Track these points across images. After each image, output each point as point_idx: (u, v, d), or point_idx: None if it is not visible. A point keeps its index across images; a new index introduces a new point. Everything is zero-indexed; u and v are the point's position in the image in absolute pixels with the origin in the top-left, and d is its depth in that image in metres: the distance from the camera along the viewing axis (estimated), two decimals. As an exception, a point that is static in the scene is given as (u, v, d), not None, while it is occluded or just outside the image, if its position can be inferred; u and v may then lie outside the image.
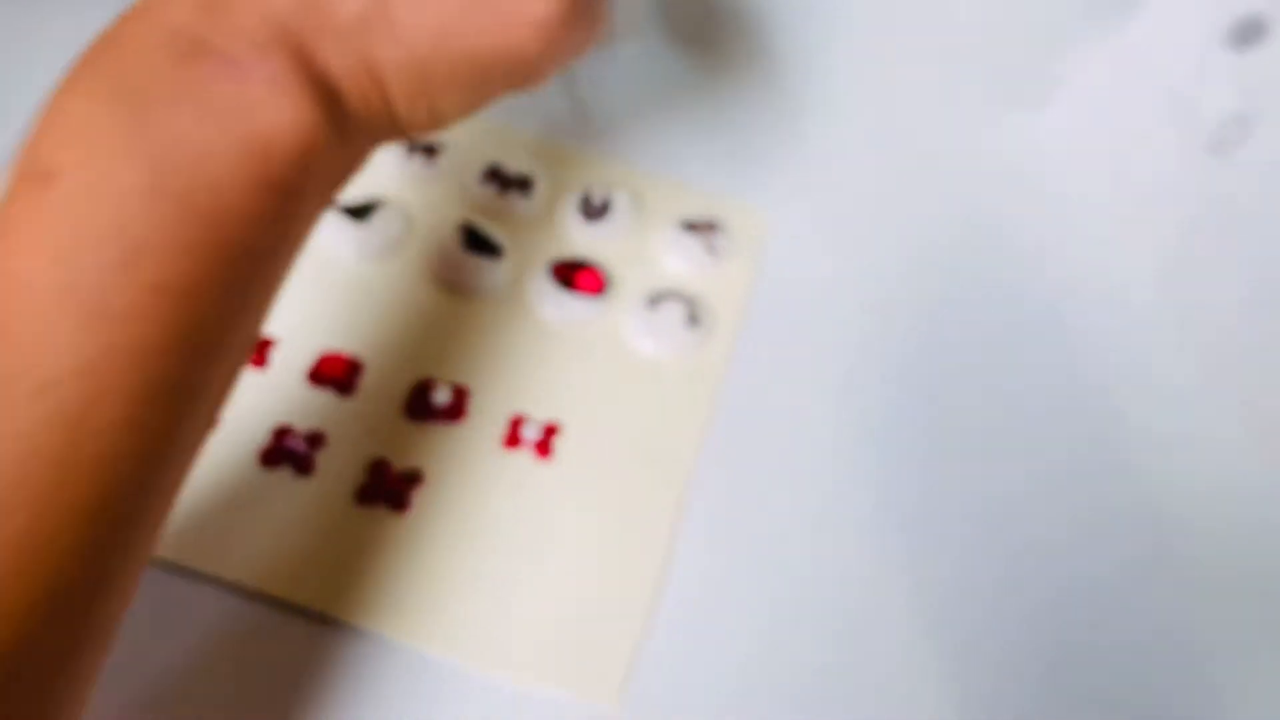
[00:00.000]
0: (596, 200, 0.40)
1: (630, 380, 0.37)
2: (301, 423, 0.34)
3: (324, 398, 0.35)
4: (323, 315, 0.36)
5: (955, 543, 0.35)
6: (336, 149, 0.24)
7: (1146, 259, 0.40)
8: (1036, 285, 0.41)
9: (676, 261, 0.39)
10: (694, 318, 0.38)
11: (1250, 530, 0.36)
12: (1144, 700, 0.33)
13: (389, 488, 0.33)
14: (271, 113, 0.22)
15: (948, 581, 0.34)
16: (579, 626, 0.32)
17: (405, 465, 0.34)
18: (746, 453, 0.36)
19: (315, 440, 0.34)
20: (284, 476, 0.33)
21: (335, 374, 0.35)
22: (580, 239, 0.39)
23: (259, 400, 0.34)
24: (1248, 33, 0.37)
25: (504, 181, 0.40)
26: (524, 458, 0.35)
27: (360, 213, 0.38)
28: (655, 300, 0.38)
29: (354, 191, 0.37)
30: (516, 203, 0.39)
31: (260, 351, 0.35)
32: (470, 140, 0.40)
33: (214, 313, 0.22)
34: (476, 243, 0.38)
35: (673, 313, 0.38)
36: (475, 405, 0.35)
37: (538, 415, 0.35)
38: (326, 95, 0.24)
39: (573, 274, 0.38)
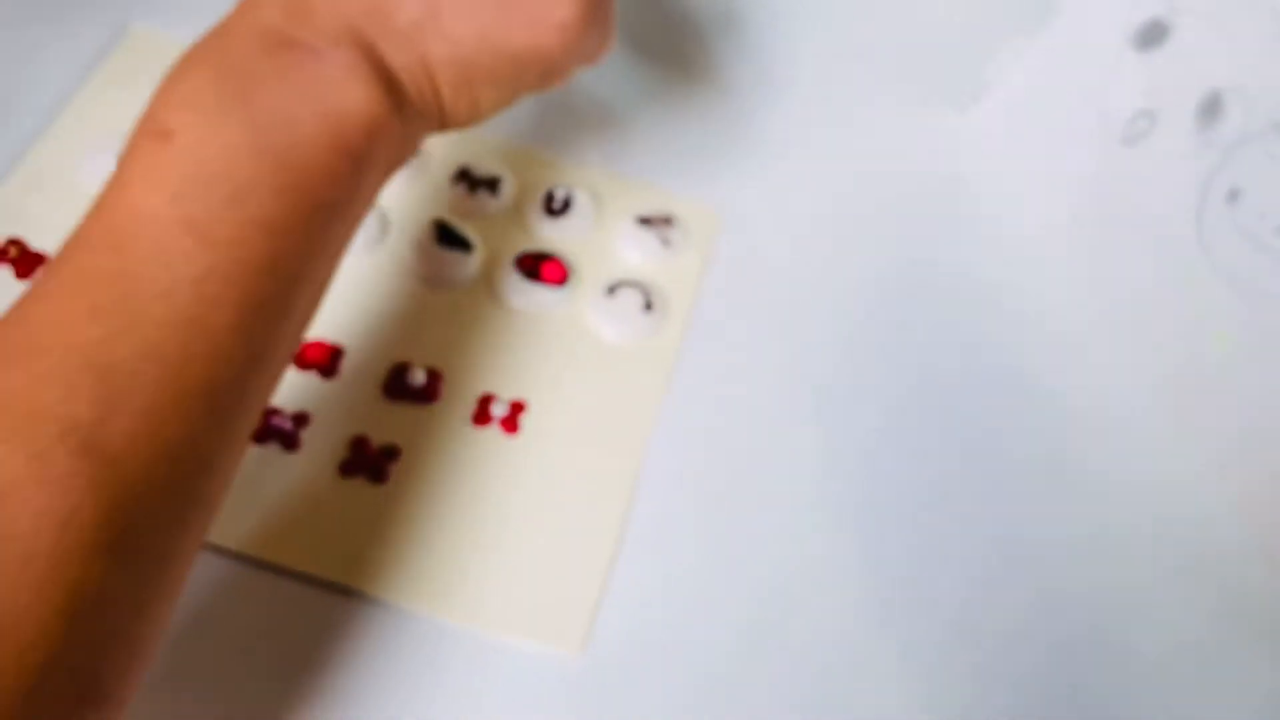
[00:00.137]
0: (559, 198, 0.43)
1: (591, 362, 0.40)
2: (288, 403, 0.37)
3: (309, 380, 0.38)
4: (307, 306, 0.39)
5: (895, 505, 0.38)
6: (397, 128, 0.29)
7: (1067, 242, 0.43)
8: (970, 267, 0.44)
9: (633, 253, 0.42)
10: (650, 304, 0.41)
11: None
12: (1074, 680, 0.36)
13: (369, 462, 0.37)
14: (346, 91, 0.28)
15: (889, 540, 0.37)
16: (545, 583, 0.35)
17: (383, 441, 0.37)
18: (697, 426, 0.39)
19: (301, 419, 0.37)
20: (273, 452, 0.36)
21: (319, 359, 0.38)
22: (544, 234, 0.42)
23: (249, 384, 0.37)
24: (1152, 35, 0.40)
25: (473, 182, 0.43)
26: (493, 433, 0.38)
27: (340, 212, 0.41)
28: (614, 289, 0.41)
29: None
30: (485, 201, 0.43)
31: (249, 340, 0.38)
32: (442, 145, 0.44)
33: (298, 248, 0.27)
34: (449, 238, 0.41)
35: (630, 300, 0.41)
36: (448, 386, 0.38)
37: (505, 395, 0.39)
38: (388, 83, 0.29)
39: (538, 265, 0.41)
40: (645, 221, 0.43)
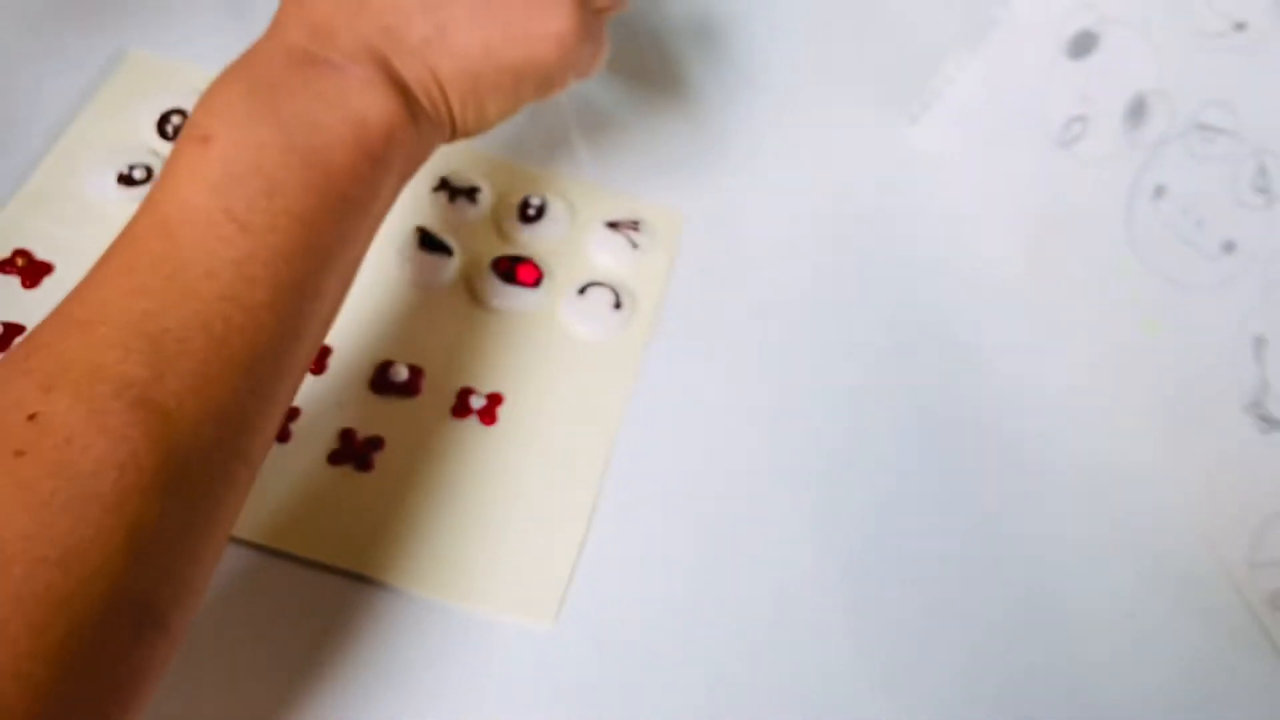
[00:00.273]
0: (534, 205, 0.46)
1: (564, 357, 0.43)
2: (280, 398, 0.40)
3: (299, 377, 0.40)
4: (296, 308, 0.42)
5: (848, 483, 0.41)
6: (412, 134, 0.33)
7: (1012, 239, 0.46)
8: (921, 264, 0.47)
9: (603, 255, 0.45)
10: (619, 303, 0.43)
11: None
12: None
13: (356, 452, 0.39)
14: (365, 100, 0.31)
15: (843, 515, 0.40)
16: (520, 561, 0.38)
17: (369, 433, 0.40)
18: (663, 416, 0.42)
19: (292, 413, 0.39)
20: (265, 443, 0.39)
21: (308, 357, 0.41)
22: (520, 239, 0.45)
23: (243, 381, 0.40)
24: (1083, 44, 0.43)
25: (453, 191, 0.46)
26: (471, 424, 0.40)
27: (328, 220, 0.43)
28: (585, 289, 0.44)
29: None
30: (464, 209, 0.45)
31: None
32: (423, 156, 0.46)
33: (326, 237, 0.30)
34: (430, 243, 0.44)
35: (600, 299, 0.44)
36: (429, 381, 0.41)
37: (484, 388, 0.41)
38: (403, 94, 0.32)
39: (514, 268, 0.44)
40: (614, 226, 0.46)
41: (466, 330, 0.43)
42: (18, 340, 0.41)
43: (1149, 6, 0.41)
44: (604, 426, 0.41)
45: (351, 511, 0.38)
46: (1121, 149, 0.42)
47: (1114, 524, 0.41)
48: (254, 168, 0.29)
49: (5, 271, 0.41)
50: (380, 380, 0.41)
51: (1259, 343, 0.38)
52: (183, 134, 0.30)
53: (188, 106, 0.46)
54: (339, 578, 0.37)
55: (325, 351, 0.41)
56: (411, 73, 0.33)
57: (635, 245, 0.45)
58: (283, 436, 0.39)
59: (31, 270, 0.42)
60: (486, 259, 0.44)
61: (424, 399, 0.41)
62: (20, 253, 0.42)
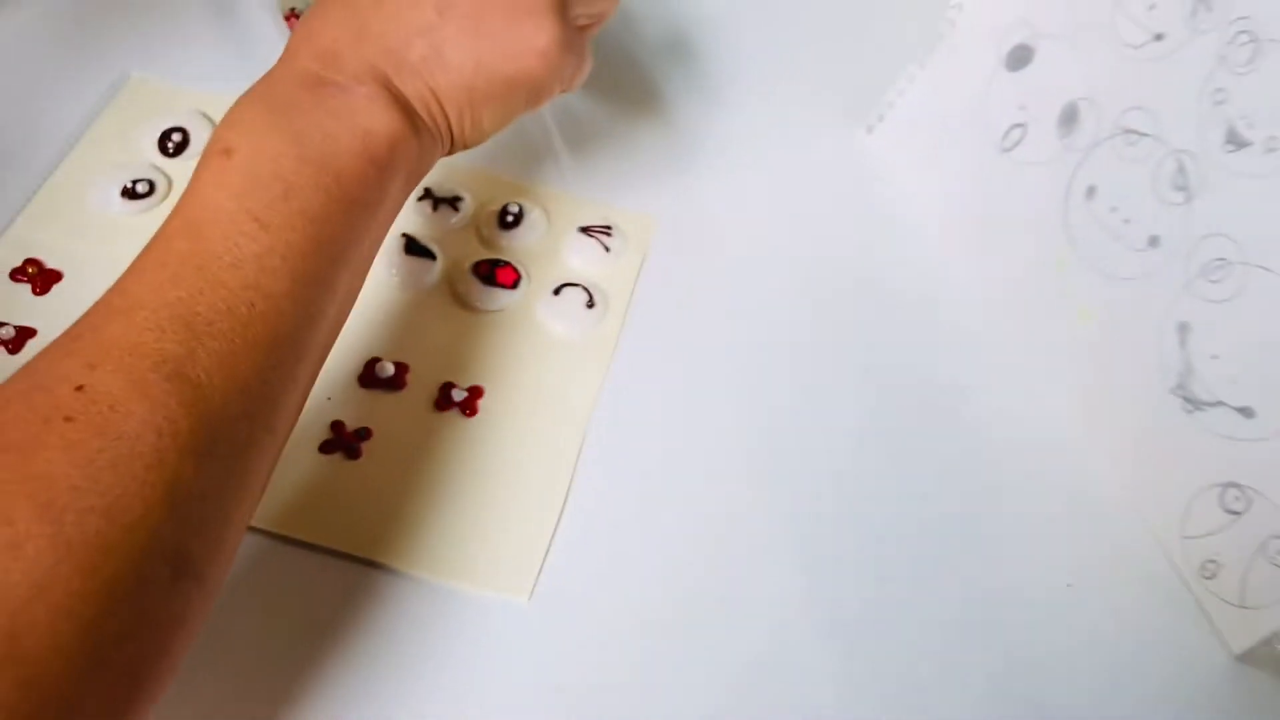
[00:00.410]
0: (512, 213, 0.49)
1: (540, 352, 0.45)
2: (274, 393, 0.42)
3: (291, 373, 0.43)
4: (289, 310, 0.45)
5: (807, 463, 0.44)
6: (414, 144, 0.36)
7: (959, 237, 0.49)
8: (876, 263, 0.50)
9: (577, 258, 0.48)
10: (592, 302, 0.46)
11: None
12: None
13: (345, 441, 0.42)
14: (370, 114, 0.35)
15: (803, 494, 0.43)
16: (498, 541, 0.40)
17: (358, 424, 0.42)
18: (633, 406, 0.44)
19: (285, 406, 0.42)
20: (260, 434, 0.41)
21: (300, 355, 0.43)
22: (499, 243, 0.48)
23: (239, 377, 0.43)
24: (1020, 57, 0.46)
25: (436, 200, 0.49)
26: (453, 415, 0.43)
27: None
28: (560, 289, 0.47)
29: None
30: (447, 217, 0.48)
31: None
32: (408, 169, 0.49)
33: (337, 235, 0.33)
34: (415, 249, 0.47)
35: (574, 298, 0.46)
36: (414, 376, 0.44)
37: (465, 383, 0.44)
38: (405, 108, 0.36)
39: (493, 270, 0.47)
40: (587, 230, 0.49)
41: (449, 329, 0.46)
42: (30, 343, 0.44)
43: (1078, 21, 0.44)
44: (577, 417, 0.44)
45: (341, 497, 0.41)
46: (1057, 153, 0.45)
47: (1055, 501, 0.44)
48: (272, 174, 0.32)
49: (17, 279, 0.44)
50: (368, 376, 0.43)
51: (1182, 329, 0.41)
52: (206, 149, 0.33)
53: (187, 125, 0.49)
54: (329, 557, 0.39)
55: (316, 350, 0.44)
56: (411, 90, 0.36)
57: (607, 249, 0.48)
58: (277, 428, 0.42)
59: (42, 278, 0.45)
60: (468, 263, 0.47)
61: (409, 393, 0.44)
62: (31, 262, 0.45)
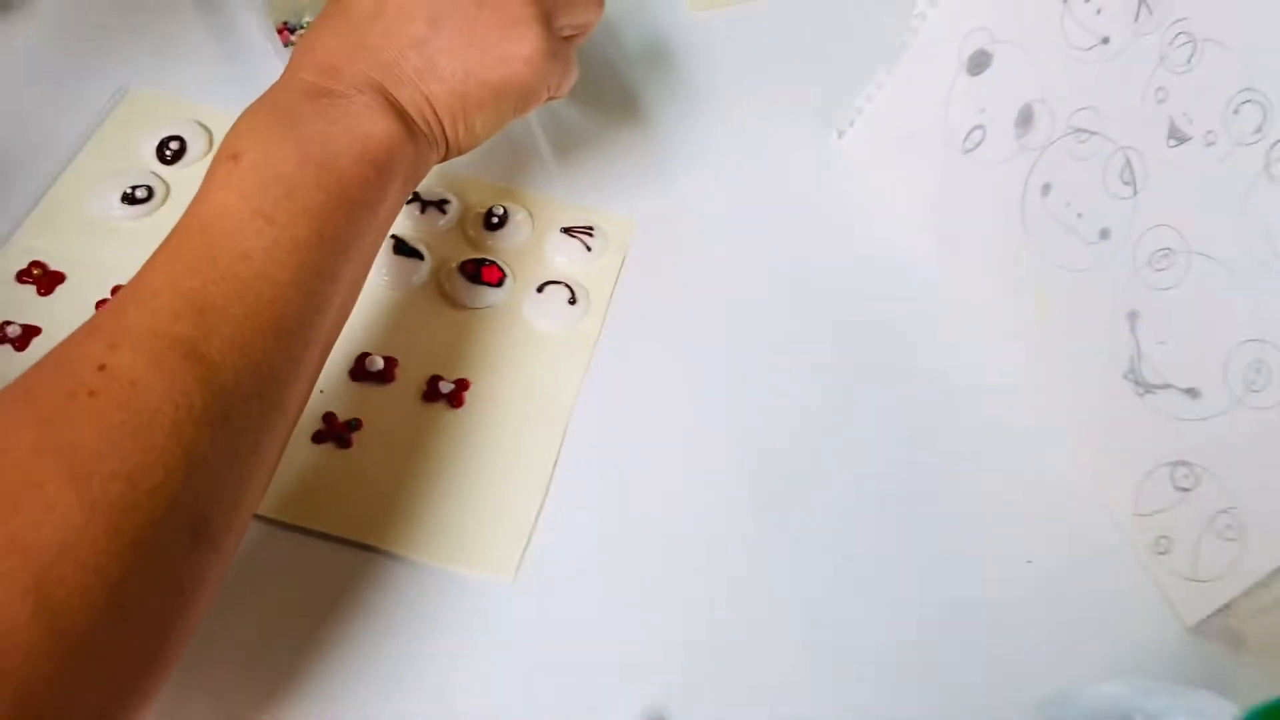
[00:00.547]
0: (497, 215, 0.51)
1: (525, 347, 0.47)
2: (269, 386, 0.44)
3: (286, 367, 0.45)
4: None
5: (776, 447, 0.46)
6: (410, 149, 0.38)
7: (925, 234, 0.52)
8: (847, 260, 0.52)
9: (560, 257, 0.50)
10: (574, 299, 0.48)
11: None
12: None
13: (336, 432, 0.44)
14: (369, 120, 0.37)
15: (773, 476, 0.45)
16: (484, 525, 0.42)
17: (349, 415, 0.44)
18: (613, 396, 0.46)
19: (280, 399, 0.44)
20: (256, 425, 0.43)
21: (294, 350, 0.45)
22: (485, 244, 0.50)
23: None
24: (979, 62, 0.49)
25: (424, 203, 0.51)
26: (440, 407, 0.45)
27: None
28: (543, 287, 0.49)
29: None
30: (435, 219, 0.50)
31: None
32: (397, 174, 0.51)
33: (339, 231, 0.35)
34: (404, 249, 0.49)
35: (557, 295, 0.49)
36: (402, 370, 0.46)
37: (452, 376, 0.46)
38: (401, 116, 0.38)
39: (479, 269, 0.49)
40: (569, 231, 0.51)
41: (437, 325, 0.48)
42: (35, 341, 0.46)
43: (1032, 27, 0.46)
44: (560, 408, 0.46)
45: (333, 484, 0.43)
46: (1014, 152, 0.47)
47: (1015, 482, 0.46)
48: (277, 176, 0.34)
49: (22, 280, 0.46)
50: (358, 369, 0.45)
51: (1132, 316, 0.43)
52: (216, 155, 0.35)
53: (184, 134, 0.52)
54: (323, 541, 0.41)
55: (309, 345, 0.46)
56: (407, 98, 0.39)
57: (589, 248, 0.50)
58: (272, 419, 0.43)
59: (46, 279, 0.47)
60: (455, 262, 0.49)
61: (397, 386, 0.45)
62: (36, 264, 0.47)
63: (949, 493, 0.45)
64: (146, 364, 0.30)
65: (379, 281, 0.48)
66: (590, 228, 0.51)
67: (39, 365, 0.30)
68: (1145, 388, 0.43)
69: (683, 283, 0.51)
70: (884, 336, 0.50)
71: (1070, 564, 0.44)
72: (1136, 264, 0.43)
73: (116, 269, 0.47)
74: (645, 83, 0.58)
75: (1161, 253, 0.42)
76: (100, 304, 0.46)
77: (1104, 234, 0.44)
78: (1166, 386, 0.42)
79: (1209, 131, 0.39)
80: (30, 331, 0.45)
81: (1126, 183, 0.43)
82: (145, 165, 0.51)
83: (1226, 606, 0.41)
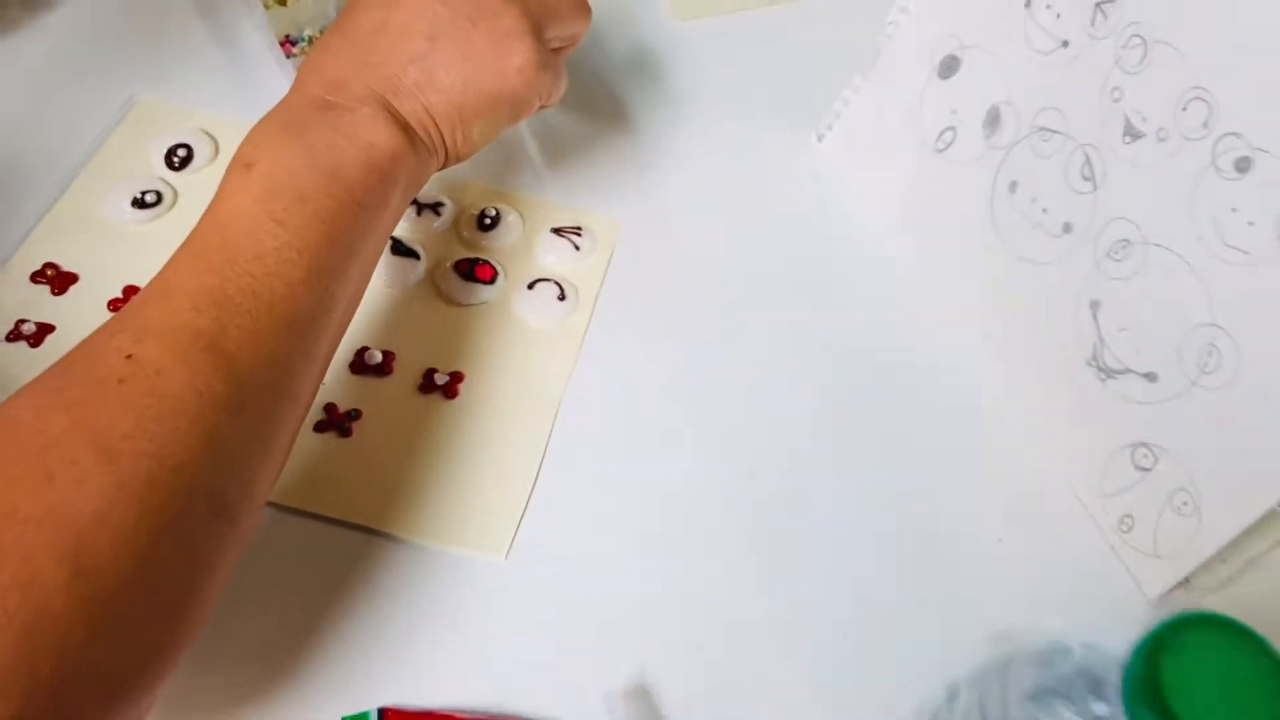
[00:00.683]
0: (489, 216, 0.53)
1: (516, 341, 0.50)
2: (272, 379, 0.46)
3: (288, 361, 0.47)
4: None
5: (753, 435, 0.48)
6: (411, 158, 0.41)
7: (901, 232, 0.54)
8: (827, 258, 0.54)
9: (550, 256, 0.52)
10: (563, 295, 0.51)
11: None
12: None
13: (337, 421, 0.46)
14: (373, 130, 0.39)
15: (753, 463, 0.47)
16: (478, 508, 0.44)
17: (349, 406, 0.46)
18: (600, 386, 0.49)
19: (282, 391, 0.46)
20: (260, 415, 0.45)
21: (296, 344, 0.48)
22: (478, 244, 0.53)
23: (240, 366, 0.47)
24: (949, 67, 0.51)
25: (420, 206, 0.53)
26: (436, 398, 0.47)
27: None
28: (534, 284, 0.51)
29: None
30: (430, 220, 0.53)
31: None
32: (395, 178, 0.54)
33: (346, 233, 0.38)
34: (401, 249, 0.51)
35: (547, 292, 0.51)
36: (400, 363, 0.48)
37: (447, 369, 0.48)
38: (403, 126, 0.41)
39: (473, 268, 0.51)
40: (559, 231, 0.53)
41: (432, 320, 0.50)
42: (49, 338, 0.48)
43: (997, 32, 0.48)
44: (549, 398, 0.48)
45: (335, 471, 0.45)
46: (983, 152, 0.49)
47: (987, 465, 0.48)
48: (288, 182, 0.37)
49: (37, 281, 0.49)
50: (358, 363, 0.48)
51: (1094, 305, 0.45)
52: (230, 164, 0.38)
53: (191, 142, 0.54)
54: (326, 524, 0.43)
55: (311, 340, 0.48)
56: (408, 109, 0.41)
57: (577, 247, 0.53)
58: (275, 409, 0.46)
59: (60, 280, 0.49)
60: (449, 261, 0.51)
61: (395, 378, 0.48)
62: (50, 265, 0.49)
63: (924, 477, 0.47)
64: (170, 354, 0.32)
65: (378, 280, 0.50)
66: (579, 228, 0.53)
67: (70, 355, 0.33)
68: (1107, 373, 0.45)
69: (667, 280, 0.53)
70: (862, 329, 0.52)
71: (1039, 542, 0.46)
72: (1097, 256, 0.45)
73: (127, 270, 0.49)
74: (632, 90, 0.61)
75: (1120, 244, 0.44)
76: (112, 303, 0.48)
77: (1067, 228, 0.46)
78: (1127, 371, 0.44)
79: (1160, 128, 0.42)
80: (44, 329, 0.47)
81: (1087, 178, 0.45)
82: (154, 171, 0.53)
83: (1186, 581, 0.43)
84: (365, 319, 0.49)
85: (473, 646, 0.41)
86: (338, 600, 0.41)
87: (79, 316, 0.48)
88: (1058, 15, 0.46)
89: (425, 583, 0.42)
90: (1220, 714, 0.20)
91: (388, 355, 0.48)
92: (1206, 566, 0.42)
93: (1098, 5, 0.44)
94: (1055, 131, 0.46)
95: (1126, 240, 0.43)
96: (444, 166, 0.45)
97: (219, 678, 0.39)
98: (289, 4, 0.58)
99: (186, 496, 0.31)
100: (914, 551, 0.45)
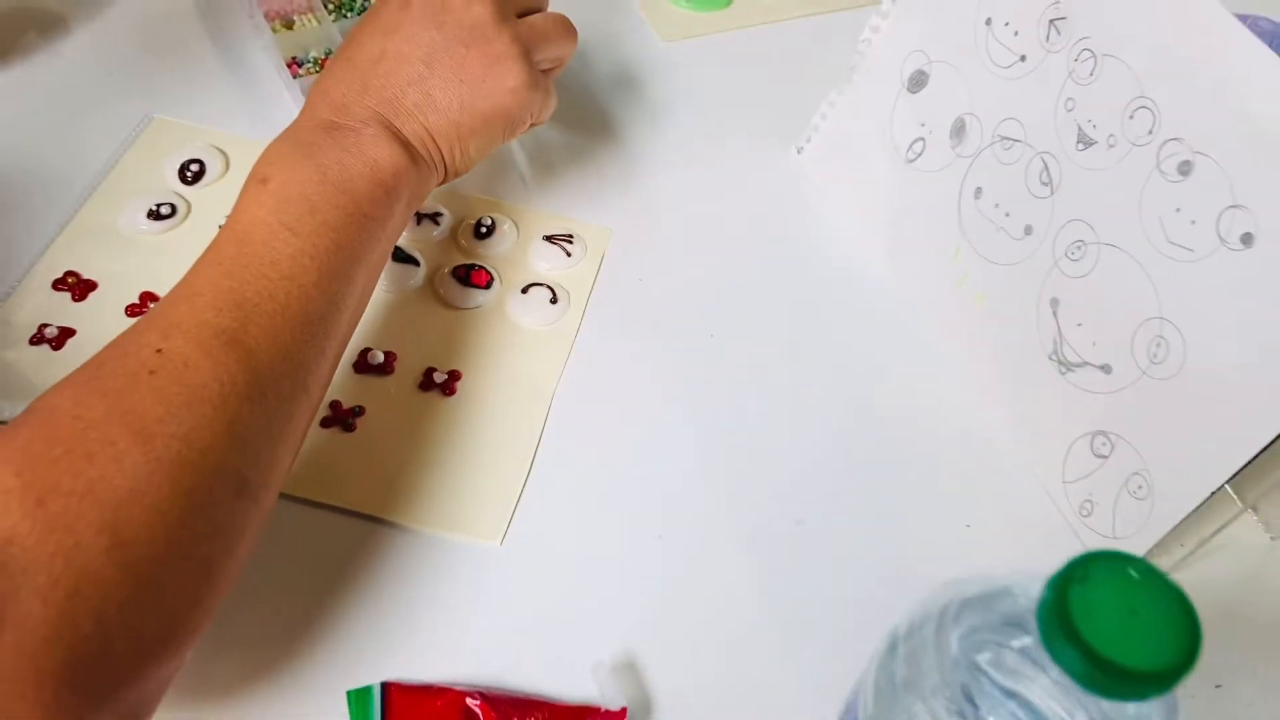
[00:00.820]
0: (485, 225, 0.56)
1: (511, 341, 0.52)
2: (280, 378, 0.49)
3: (295, 361, 0.50)
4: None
5: (739, 428, 0.50)
6: (413, 174, 0.44)
7: (876, 238, 0.57)
8: (805, 265, 0.57)
9: (542, 262, 0.55)
10: (555, 299, 0.54)
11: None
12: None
13: (341, 417, 0.49)
14: (377, 149, 0.43)
15: (739, 453, 0.49)
16: (475, 496, 0.47)
17: (353, 403, 0.49)
18: (590, 384, 0.51)
19: (290, 389, 0.49)
20: (269, 411, 0.48)
21: (303, 346, 0.50)
22: (474, 251, 0.55)
23: (250, 366, 0.49)
24: (918, 81, 0.54)
25: (419, 216, 0.56)
26: (435, 395, 0.50)
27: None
28: (527, 288, 0.54)
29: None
30: (429, 229, 0.56)
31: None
32: (396, 191, 0.57)
33: (353, 242, 0.41)
34: (401, 257, 0.54)
35: (540, 296, 0.54)
36: (401, 363, 0.51)
37: (445, 368, 0.51)
38: (405, 145, 0.44)
39: (469, 273, 0.54)
40: (551, 239, 0.56)
41: (431, 323, 0.53)
42: (70, 341, 0.51)
43: (962, 48, 0.51)
44: (542, 394, 0.51)
45: (340, 463, 0.47)
46: (950, 161, 0.52)
47: (956, 455, 0.50)
48: (300, 195, 0.40)
49: (58, 288, 0.52)
50: (361, 362, 0.50)
51: (1054, 303, 0.48)
52: (247, 180, 0.41)
53: (203, 157, 0.57)
54: (331, 512, 0.46)
55: (317, 342, 0.51)
56: (409, 129, 0.45)
57: (569, 254, 0.56)
58: (283, 406, 0.48)
59: (80, 287, 0.52)
60: (447, 267, 0.54)
61: (396, 376, 0.50)
62: (71, 273, 0.52)
63: (896, 467, 0.50)
64: (196, 349, 0.35)
65: (380, 285, 0.53)
66: (570, 236, 0.56)
67: (103, 353, 0.36)
68: (1067, 366, 0.47)
69: (654, 285, 0.56)
70: (838, 329, 0.55)
71: (1005, 528, 0.48)
72: (1056, 255, 0.48)
73: (143, 277, 0.52)
74: (621, 107, 0.64)
75: (1076, 244, 0.47)
76: (129, 308, 0.51)
77: (1028, 230, 0.49)
78: (1084, 364, 0.47)
79: (1110, 135, 0.45)
80: (66, 333, 0.50)
81: (1045, 184, 0.48)
82: (168, 185, 0.56)
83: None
84: (368, 321, 0.52)
85: (470, 625, 0.43)
86: (344, 583, 0.44)
87: (98, 321, 0.50)
88: (1016, 32, 0.49)
89: (425, 566, 0.45)
90: (1123, 635, 0.23)
91: (389, 355, 0.51)
92: (1163, 547, 0.45)
93: (1052, 22, 0.47)
94: (1015, 140, 0.49)
95: (1082, 241, 0.46)
96: (444, 182, 0.48)
97: (233, 654, 0.42)
98: (295, 28, 0.61)
99: (212, 476, 0.34)
100: (886, 536, 0.48)
